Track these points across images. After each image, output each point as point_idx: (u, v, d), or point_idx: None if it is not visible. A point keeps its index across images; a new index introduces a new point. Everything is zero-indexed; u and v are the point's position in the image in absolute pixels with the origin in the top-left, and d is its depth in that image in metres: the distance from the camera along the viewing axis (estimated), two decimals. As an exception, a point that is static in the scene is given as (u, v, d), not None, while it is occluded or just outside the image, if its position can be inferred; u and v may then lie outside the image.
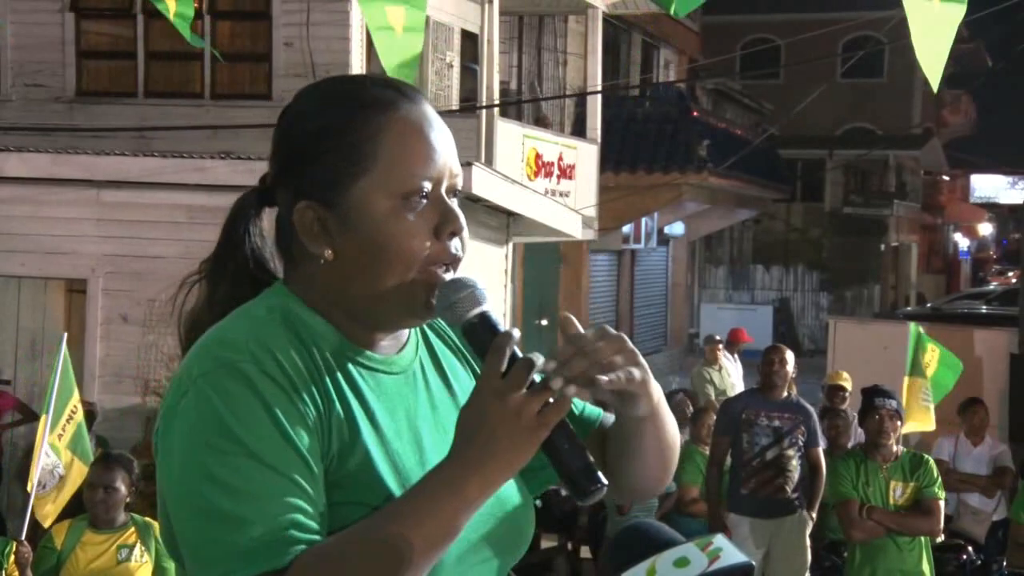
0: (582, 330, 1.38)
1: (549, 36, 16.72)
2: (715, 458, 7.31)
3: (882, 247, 32.29)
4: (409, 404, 1.47)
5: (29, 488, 5.73)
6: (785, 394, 7.20)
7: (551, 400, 1.31)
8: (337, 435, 1.38)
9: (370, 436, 1.40)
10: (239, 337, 1.39)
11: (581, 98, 15.45)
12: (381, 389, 1.45)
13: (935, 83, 2.97)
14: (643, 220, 18.72)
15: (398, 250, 1.40)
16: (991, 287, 30.98)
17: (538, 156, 12.71)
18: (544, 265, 16.81)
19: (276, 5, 11.12)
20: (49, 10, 11.52)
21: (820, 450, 7.22)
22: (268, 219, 1.55)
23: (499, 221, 10.62)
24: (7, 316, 9.24)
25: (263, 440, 1.32)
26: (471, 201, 9.59)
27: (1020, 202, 41.49)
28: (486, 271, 10.46)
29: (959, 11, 2.97)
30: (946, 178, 42.31)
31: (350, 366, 1.43)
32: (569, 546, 9.01)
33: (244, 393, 1.34)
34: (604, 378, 1.35)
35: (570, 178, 13.43)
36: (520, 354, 1.34)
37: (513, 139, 12.21)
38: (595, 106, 14.27)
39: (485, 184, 9.32)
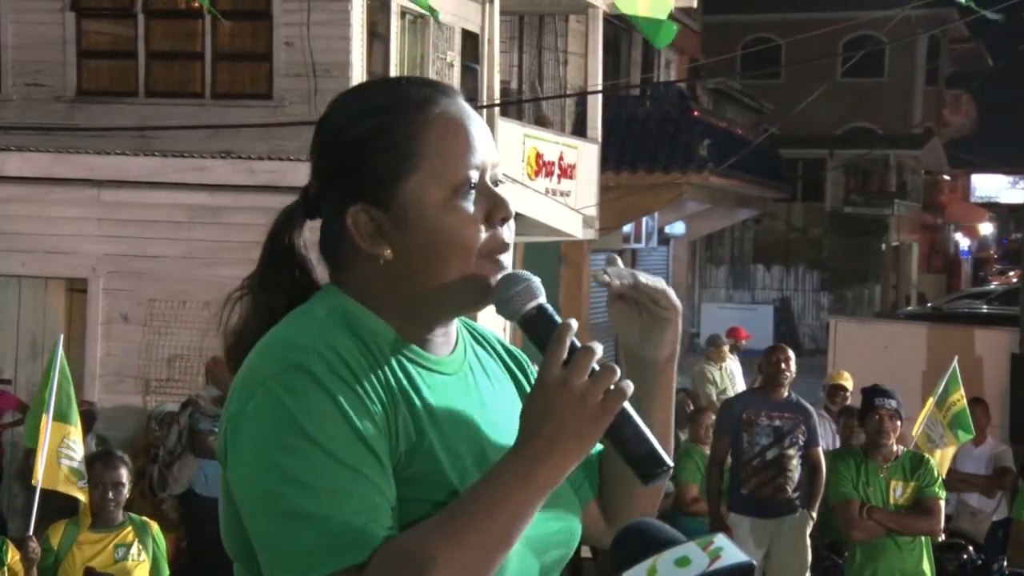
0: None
1: (550, 35, 16.72)
2: (715, 457, 7.31)
3: (883, 247, 32.29)
4: (464, 403, 1.50)
5: (34, 482, 5.72)
6: (786, 394, 7.20)
7: (613, 386, 1.34)
8: (404, 433, 1.40)
9: (433, 434, 1.42)
10: (305, 338, 1.40)
11: (582, 98, 15.45)
12: (438, 388, 1.47)
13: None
14: (644, 220, 18.71)
15: (456, 241, 1.43)
16: (992, 287, 30.96)
17: (539, 156, 12.71)
18: (545, 265, 16.79)
19: (276, 5, 11.12)
20: (50, 9, 11.52)
21: (820, 450, 7.22)
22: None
23: (499, 221, 10.60)
24: (8, 315, 9.25)
25: (336, 438, 1.34)
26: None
27: (1021, 202, 41.49)
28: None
29: None
30: (947, 178, 42.31)
31: (409, 365, 1.45)
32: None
33: (315, 392, 1.35)
34: (644, 280, 1.49)
35: (571, 178, 13.44)
36: (579, 343, 1.36)
37: (514, 139, 12.21)
38: (596, 106, 14.27)
39: (485, 184, 9.31)
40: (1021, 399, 10.65)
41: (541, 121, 14.83)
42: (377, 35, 11.49)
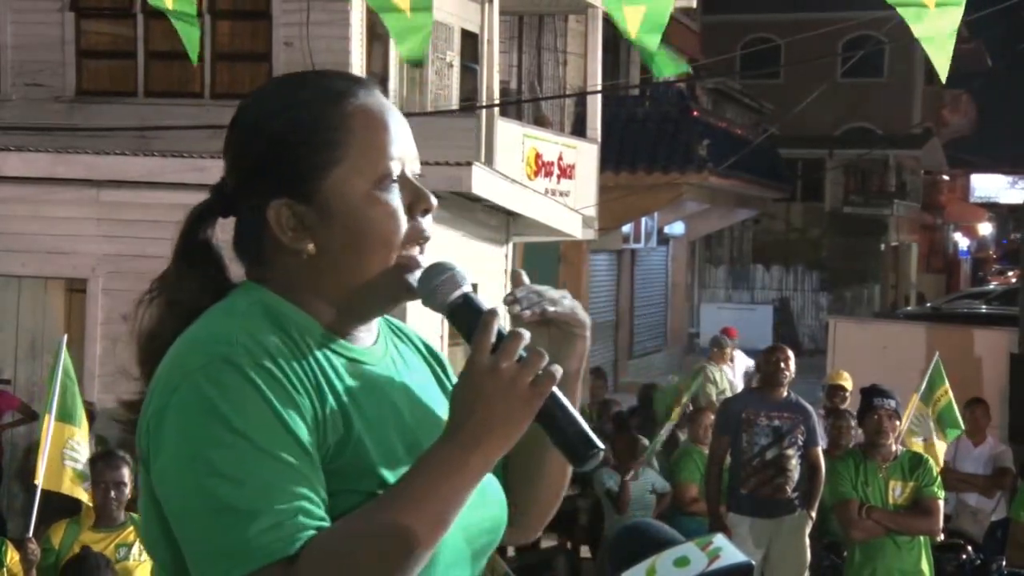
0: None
1: (549, 35, 16.72)
2: (715, 458, 7.31)
3: (882, 247, 32.28)
4: (389, 393, 1.49)
5: (36, 481, 5.72)
6: (785, 394, 7.20)
7: (542, 370, 1.34)
8: (332, 425, 1.39)
9: (361, 425, 1.41)
10: (228, 331, 1.39)
11: (581, 98, 15.44)
12: (364, 379, 1.46)
13: (944, 75, 3.02)
14: (643, 220, 18.72)
15: (378, 233, 1.43)
16: (991, 287, 30.97)
17: (538, 156, 12.71)
18: (544, 265, 16.80)
19: (276, 5, 11.12)
20: (49, 9, 11.52)
21: (819, 450, 7.22)
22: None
23: (499, 221, 10.62)
24: (7, 316, 9.24)
25: (264, 430, 1.32)
26: (471, 200, 9.59)
27: (1020, 202, 41.49)
28: (486, 271, 10.45)
29: (956, 13, 3.01)
30: (946, 178, 42.31)
31: (334, 357, 1.45)
32: (569, 545, 9.01)
33: (240, 384, 1.34)
34: (552, 309, 1.47)
35: (570, 178, 13.43)
36: (506, 330, 1.36)
37: (513, 139, 12.21)
38: (595, 106, 14.27)
39: (485, 184, 9.32)
40: (1020, 399, 10.65)
41: (540, 121, 14.82)
42: (377, 35, 11.49)
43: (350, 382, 1.44)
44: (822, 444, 8.36)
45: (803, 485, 7.13)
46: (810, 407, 7.37)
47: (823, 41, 22.21)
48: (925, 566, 6.17)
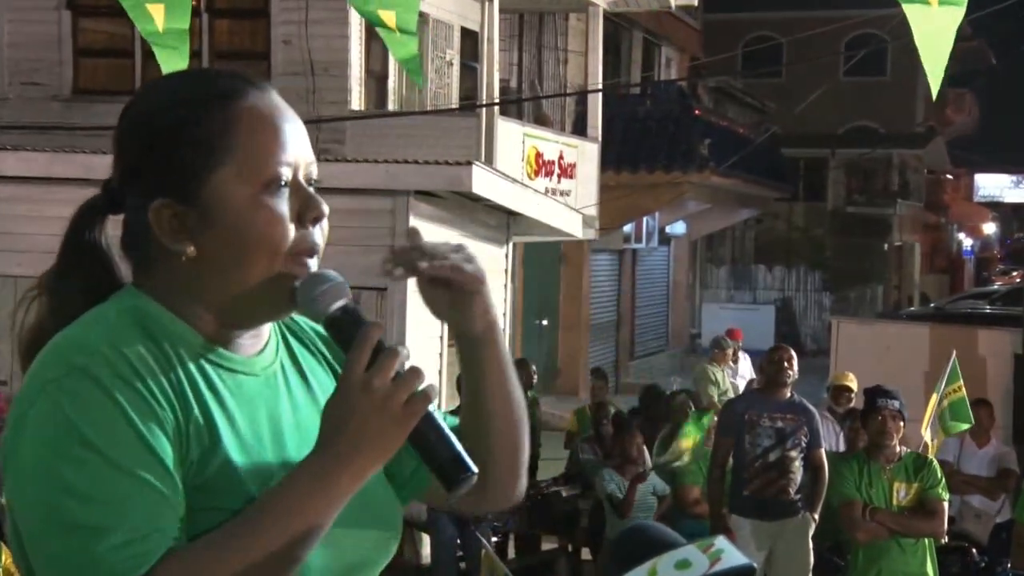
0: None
1: (550, 34, 16.72)
2: (717, 459, 7.30)
3: (885, 247, 32.28)
4: (270, 406, 1.45)
5: None
6: (788, 395, 7.20)
7: (417, 390, 1.32)
8: (196, 439, 1.35)
9: (230, 439, 1.38)
10: (89, 340, 1.35)
11: (582, 96, 15.45)
12: (241, 391, 1.42)
13: (935, 87, 2.99)
14: (644, 219, 18.72)
15: (262, 239, 1.39)
16: (995, 287, 30.95)
17: (538, 155, 12.71)
18: (544, 265, 16.81)
19: (274, 3, 11.12)
20: (45, 7, 11.52)
21: (823, 451, 7.22)
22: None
23: (499, 220, 10.62)
24: (4, 316, 9.24)
25: (119, 445, 1.29)
26: (471, 200, 9.60)
27: (1024, 201, 41.47)
28: (486, 270, 10.43)
29: (958, 13, 2.99)
30: (950, 177, 42.30)
31: (208, 367, 1.41)
32: (570, 548, 9.01)
33: (97, 397, 1.30)
34: (425, 264, 1.41)
35: (571, 177, 13.44)
36: (385, 345, 1.34)
37: (513, 138, 12.21)
38: (596, 105, 14.27)
39: (485, 183, 9.33)
40: (1024, 400, 10.65)
41: (541, 120, 14.83)
42: (376, 34, 11.49)
43: (224, 393, 1.40)
44: (835, 446, 8.38)
45: (806, 487, 7.13)
46: (813, 408, 7.37)
47: (826, 39, 22.19)
48: (929, 568, 6.17)
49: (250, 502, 1.34)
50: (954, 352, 8.08)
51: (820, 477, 7.08)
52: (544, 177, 12.76)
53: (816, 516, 7.16)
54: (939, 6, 2.96)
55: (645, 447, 8.33)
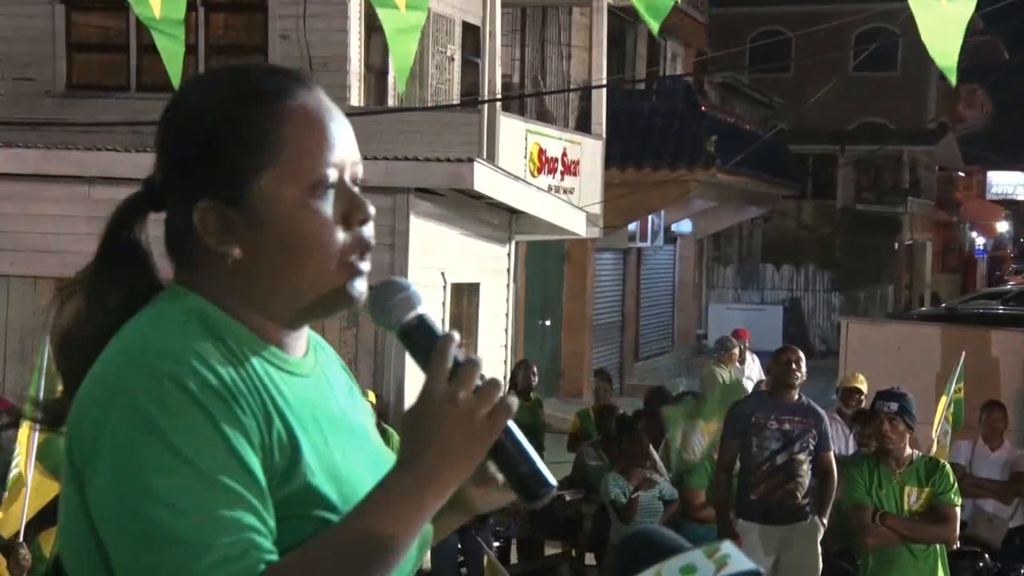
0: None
1: (553, 28, 16.72)
2: (724, 463, 7.30)
3: (895, 245, 32.29)
4: (323, 407, 1.46)
5: (24, 487, 5.73)
6: (796, 397, 7.19)
7: (498, 402, 1.32)
8: (279, 447, 1.35)
9: (308, 448, 1.38)
10: (168, 344, 1.34)
11: (586, 92, 15.45)
12: (302, 394, 1.43)
13: (952, 77, 2.99)
14: (649, 218, 18.71)
15: (311, 242, 1.39)
16: (1008, 286, 30.93)
17: (541, 152, 12.71)
18: (547, 264, 16.81)
19: (272, -4, 11.12)
20: (38, 2, 11.53)
21: (831, 454, 7.21)
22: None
23: (501, 219, 10.62)
24: (-4, 316, 9.24)
25: (212, 456, 1.29)
26: (473, 198, 9.60)
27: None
28: (487, 270, 10.46)
29: (968, 8, 2.98)
30: (961, 174, 42.31)
31: (273, 372, 1.41)
32: (573, 553, 9.01)
33: (186, 406, 1.29)
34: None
35: (574, 174, 13.44)
36: (461, 357, 1.34)
37: (516, 134, 12.21)
38: (600, 100, 14.27)
39: (487, 181, 9.33)
40: (1038, 402, 10.64)
41: (544, 116, 14.83)
42: (375, 28, 11.49)
43: (289, 397, 1.40)
44: (845, 449, 8.37)
45: (815, 491, 7.13)
46: (822, 411, 7.36)
47: (835, 34, 22.18)
48: (941, 574, 6.16)
49: (332, 508, 1.36)
50: (963, 353, 8.10)
51: (829, 481, 7.07)
52: (547, 174, 12.76)
53: (825, 521, 7.16)
54: (948, 1, 2.96)
55: (653, 450, 8.33)
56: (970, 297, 28.91)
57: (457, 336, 1.35)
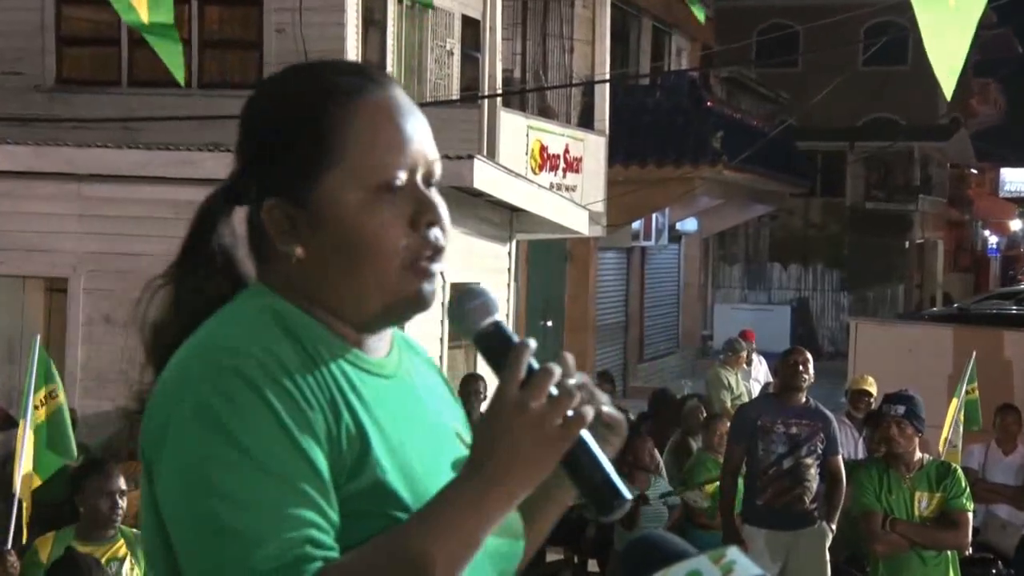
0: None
1: (554, 22, 16.71)
2: (729, 467, 7.30)
3: (906, 244, 32.29)
4: (404, 408, 1.48)
5: (14, 491, 5.73)
6: (803, 399, 7.19)
7: (572, 411, 1.32)
8: (348, 443, 1.37)
9: (380, 445, 1.40)
10: (238, 339, 1.38)
11: (588, 87, 15.45)
12: (379, 393, 1.45)
13: (948, 90, 2.97)
14: (654, 216, 18.72)
15: (373, 245, 1.40)
16: (1022, 286, 30.95)
17: (543, 148, 12.72)
18: (549, 264, 16.81)
19: (267, -11, 11.12)
20: (28, -6, 11.52)
21: (840, 458, 7.22)
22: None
23: (502, 217, 10.62)
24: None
25: (274, 451, 1.31)
26: (472, 196, 9.60)
27: (1052, 197, 41.44)
28: (488, 269, 10.46)
29: (976, 10, 2.95)
30: (974, 171, 42.31)
31: (349, 368, 1.43)
32: (576, 559, 9.01)
33: (251, 400, 1.32)
34: (606, 410, 1.40)
35: (577, 172, 13.45)
36: (537, 365, 1.35)
37: (517, 130, 12.21)
38: (603, 96, 14.28)
39: (487, 178, 9.33)
40: (1052, 405, 10.62)
41: (545, 112, 14.83)
42: (373, 22, 11.50)
43: (367, 395, 1.42)
44: (854, 453, 8.37)
45: (823, 496, 7.13)
46: (830, 414, 7.37)
47: (844, 27, 22.20)
48: (952, 581, 6.16)
49: (402, 507, 1.37)
50: (973, 353, 8.10)
51: (837, 485, 7.08)
52: (549, 171, 12.77)
53: (833, 526, 7.16)
54: (956, 1, 2.93)
55: (657, 452, 8.34)
56: (983, 297, 28.92)
57: (533, 343, 1.37)
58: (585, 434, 1.35)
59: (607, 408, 1.42)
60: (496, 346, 1.40)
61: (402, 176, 1.42)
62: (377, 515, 1.37)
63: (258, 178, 1.45)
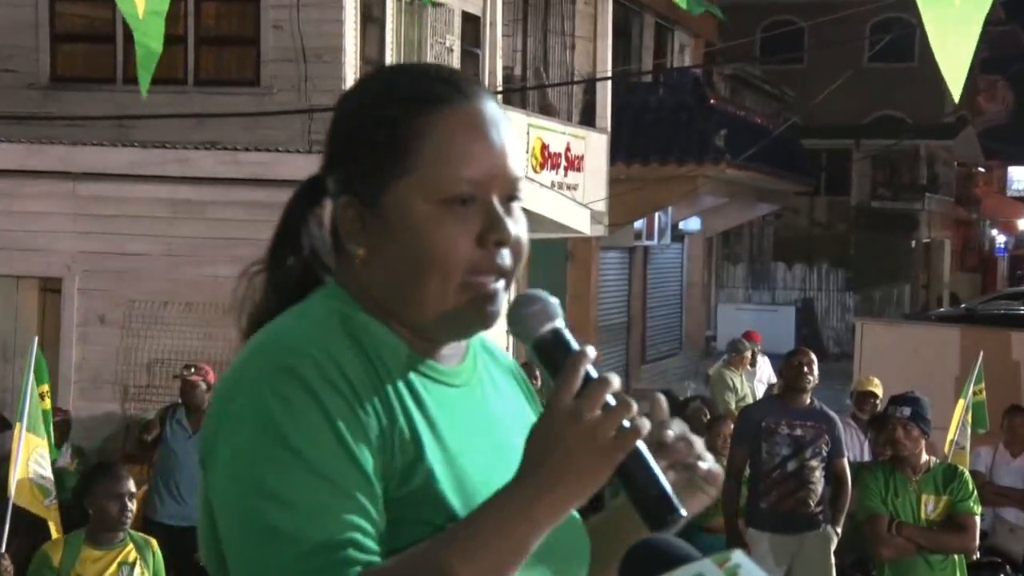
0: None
1: (556, 18, 16.71)
2: (733, 469, 7.30)
3: (912, 244, 32.28)
4: (471, 419, 1.49)
5: (8, 495, 5.74)
6: (808, 401, 7.20)
7: (627, 423, 1.32)
8: (400, 451, 1.39)
9: (434, 453, 1.41)
10: (299, 339, 1.39)
11: (590, 85, 15.46)
12: (445, 402, 1.46)
13: (956, 92, 2.96)
14: (656, 215, 18.72)
15: (436, 257, 1.41)
16: (1029, 286, 30.94)
17: (544, 147, 12.72)
18: (550, 263, 16.80)
19: (264, -15, 11.12)
20: (21, -10, 11.52)
21: (845, 461, 7.22)
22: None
23: (502, 216, 10.61)
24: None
25: (323, 452, 1.33)
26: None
27: (1060, 195, 41.44)
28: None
29: (982, 8, 2.94)
30: (981, 169, 42.29)
31: (413, 376, 1.44)
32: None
33: (305, 401, 1.34)
34: (705, 466, 1.45)
35: (578, 170, 13.45)
36: (595, 373, 1.35)
37: (517, 129, 12.22)
38: (605, 93, 14.29)
39: (487, 176, 9.32)
40: (1061, 407, 10.62)
41: (546, 110, 14.84)
42: (372, 18, 11.50)
43: (429, 404, 1.43)
44: (860, 455, 8.37)
45: (828, 499, 7.13)
46: (835, 415, 7.37)
47: (848, 24, 22.20)
48: (959, 586, 6.16)
49: (452, 518, 1.38)
50: (980, 353, 8.11)
51: (842, 488, 7.08)
52: (550, 170, 12.77)
53: (838, 530, 7.16)
54: (961, 1, 2.92)
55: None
56: (990, 297, 28.89)
57: (592, 352, 1.37)
58: (641, 446, 1.34)
59: (707, 465, 1.45)
60: (554, 353, 1.39)
61: (472, 191, 1.42)
62: (426, 523, 1.37)
63: (338, 174, 1.48)
